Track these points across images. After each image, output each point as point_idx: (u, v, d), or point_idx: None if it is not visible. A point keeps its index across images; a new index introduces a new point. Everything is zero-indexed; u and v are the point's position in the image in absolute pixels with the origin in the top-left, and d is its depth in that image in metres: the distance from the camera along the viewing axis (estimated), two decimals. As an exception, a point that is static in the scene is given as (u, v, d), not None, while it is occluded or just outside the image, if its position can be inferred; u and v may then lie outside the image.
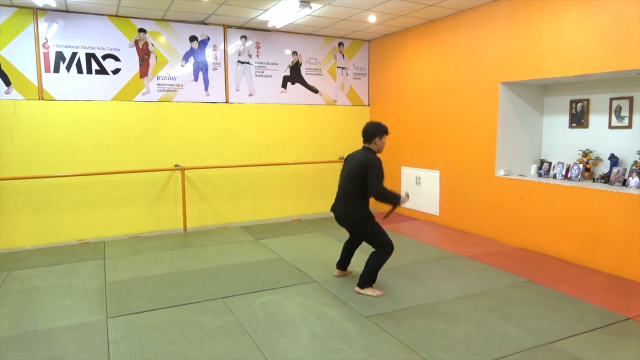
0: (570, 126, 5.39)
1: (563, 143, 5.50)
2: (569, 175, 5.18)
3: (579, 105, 5.27)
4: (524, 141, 5.70)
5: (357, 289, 3.97)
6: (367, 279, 3.92)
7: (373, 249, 3.96)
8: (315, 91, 7.43)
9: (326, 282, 4.23)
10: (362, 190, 3.86)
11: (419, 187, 6.90)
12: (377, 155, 3.91)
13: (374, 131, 3.92)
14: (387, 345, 3.05)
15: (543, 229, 5.07)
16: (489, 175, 5.70)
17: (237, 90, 6.83)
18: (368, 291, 3.92)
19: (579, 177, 5.04)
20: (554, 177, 5.34)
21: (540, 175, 5.53)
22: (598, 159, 5.01)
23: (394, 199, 3.83)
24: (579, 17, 4.54)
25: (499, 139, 5.57)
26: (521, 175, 5.57)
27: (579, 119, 5.28)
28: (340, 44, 7.56)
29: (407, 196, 3.94)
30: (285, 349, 3.01)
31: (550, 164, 5.50)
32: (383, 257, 3.91)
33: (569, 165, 5.22)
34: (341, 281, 4.25)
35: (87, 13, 5.82)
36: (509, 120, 5.58)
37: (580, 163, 5.08)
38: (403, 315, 3.49)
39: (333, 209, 4.10)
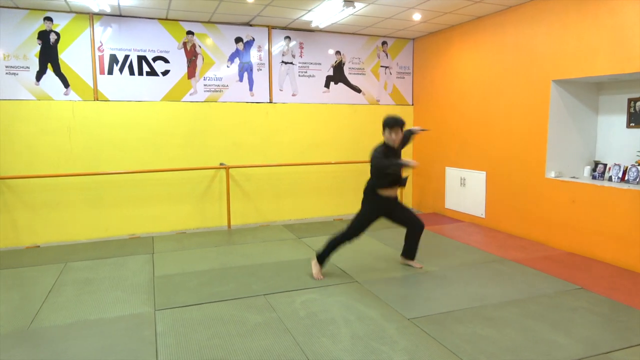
0: (628, 126, 5.10)
1: (620, 144, 5.21)
2: (626, 178, 4.91)
3: (638, 103, 4.98)
4: (577, 141, 5.45)
5: (314, 258, 4.37)
6: (322, 254, 4.30)
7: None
8: (358, 91, 7.41)
9: (367, 282, 4.21)
10: (375, 178, 4.21)
11: (464, 188, 6.74)
12: (389, 145, 4.13)
13: (383, 124, 4.17)
14: (429, 349, 3.00)
15: (596, 233, 4.83)
16: (538, 176, 5.49)
17: (281, 90, 6.91)
18: (315, 267, 4.33)
19: (638, 180, 4.77)
20: (610, 179, 5.07)
21: (594, 177, 5.27)
22: (659, 161, 4.73)
23: (399, 166, 4.07)
24: (638, 10, 4.29)
25: (549, 139, 5.35)
26: (573, 177, 5.33)
27: (637, 118, 4.99)
28: (384, 42, 7.50)
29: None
30: (325, 348, 3.03)
31: (605, 165, 5.23)
32: (342, 239, 4.25)
33: (627, 167, 4.94)
34: (383, 282, 4.22)
35: (139, 17, 6.07)
36: (560, 120, 5.35)
37: (639, 165, 4.80)
38: (446, 319, 3.43)
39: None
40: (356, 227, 4.25)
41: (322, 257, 4.34)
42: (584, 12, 4.82)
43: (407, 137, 4.52)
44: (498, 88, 6.03)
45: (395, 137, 4.11)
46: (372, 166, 4.19)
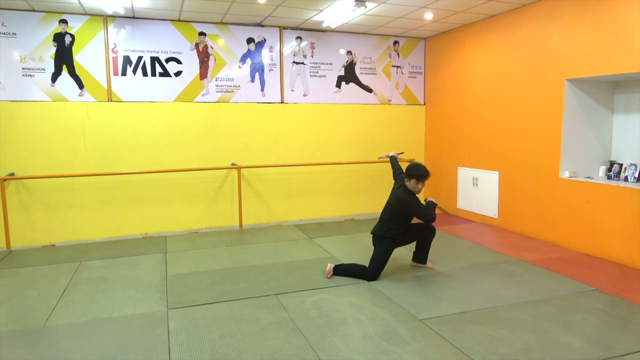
0: (645, 125, 5.03)
1: (636, 143, 5.13)
2: (642, 178, 4.83)
3: (655, 102, 4.89)
4: (592, 141, 5.38)
5: (332, 267, 4.39)
6: (342, 269, 4.37)
7: (366, 265, 4.37)
8: (370, 90, 7.39)
9: (379, 283, 4.20)
10: (397, 221, 4.28)
11: (476, 188, 6.69)
12: (412, 192, 4.22)
13: (406, 172, 4.24)
14: (441, 350, 2.99)
15: (612, 234, 4.76)
16: (552, 176, 5.43)
17: (292, 90, 6.93)
18: (329, 266, 4.40)
19: (654, 180, 4.69)
20: (626, 179, 5.00)
21: (609, 177, 5.20)
22: (676, 161, 4.64)
23: (434, 207, 4.30)
24: (656, 7, 4.23)
25: (563, 139, 5.29)
26: (588, 177, 5.26)
27: (654, 117, 4.91)
28: (396, 42, 7.47)
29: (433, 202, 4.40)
30: (337, 348, 3.03)
31: (621, 165, 5.15)
32: (363, 275, 4.29)
33: (643, 167, 4.87)
34: (395, 282, 4.21)
35: (152, 19, 6.12)
36: (575, 119, 5.29)
37: (655, 165, 4.73)
38: (458, 320, 3.41)
39: (372, 230, 4.47)
40: (378, 267, 4.29)
41: (338, 272, 4.39)
42: (600, 10, 4.75)
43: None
44: (511, 87, 5.97)
45: (422, 187, 4.22)
46: (399, 211, 4.23)
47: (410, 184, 4.19)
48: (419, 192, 4.24)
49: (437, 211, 4.39)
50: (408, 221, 4.35)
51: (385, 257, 4.31)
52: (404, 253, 5.04)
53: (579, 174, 5.37)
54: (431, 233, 4.51)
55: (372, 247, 4.43)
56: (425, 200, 4.40)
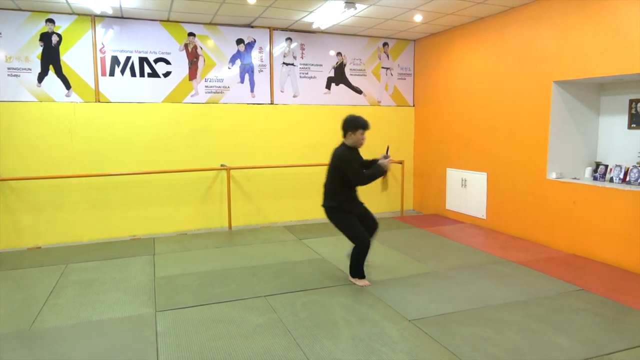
0: (630, 127, 5.10)
1: (621, 145, 5.21)
2: (627, 179, 4.90)
3: (640, 104, 4.98)
4: (578, 143, 5.45)
5: (349, 277, 4.27)
6: (353, 270, 4.22)
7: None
8: (359, 92, 7.41)
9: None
10: (336, 185, 4.10)
11: (465, 189, 6.73)
12: (353, 148, 4.07)
13: (344, 125, 4.10)
14: (430, 350, 3.00)
15: (598, 234, 4.82)
16: (539, 177, 5.49)
17: (282, 91, 6.92)
18: (356, 281, 4.20)
19: (639, 181, 4.76)
20: (611, 180, 5.07)
21: (595, 178, 5.26)
22: (660, 162, 4.72)
23: (379, 173, 4.05)
24: (641, 11, 4.29)
25: (551, 140, 5.35)
26: (574, 179, 5.32)
27: (639, 119, 4.99)
28: (385, 44, 7.50)
29: (386, 158, 4.13)
30: (326, 349, 3.02)
31: (606, 166, 5.22)
32: (359, 252, 4.11)
33: (628, 168, 4.94)
34: (384, 283, 4.21)
35: (141, 19, 6.08)
36: (561, 121, 5.35)
37: (640, 166, 4.80)
38: (447, 321, 3.42)
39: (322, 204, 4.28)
40: (357, 233, 4.06)
41: (357, 273, 4.21)
42: (587, 13, 4.82)
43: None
44: (499, 89, 6.02)
45: (364, 138, 4.09)
46: (338, 168, 4.01)
47: (356, 135, 4.03)
48: (361, 145, 4.09)
49: (380, 182, 4.10)
50: (348, 183, 4.04)
51: (351, 224, 4.06)
52: (392, 254, 5.06)
53: (565, 175, 5.44)
54: (375, 226, 4.35)
55: None
56: (383, 155, 4.18)
